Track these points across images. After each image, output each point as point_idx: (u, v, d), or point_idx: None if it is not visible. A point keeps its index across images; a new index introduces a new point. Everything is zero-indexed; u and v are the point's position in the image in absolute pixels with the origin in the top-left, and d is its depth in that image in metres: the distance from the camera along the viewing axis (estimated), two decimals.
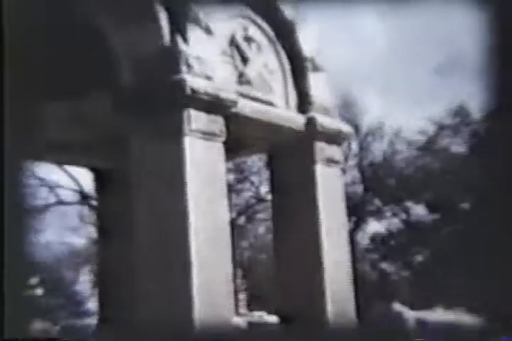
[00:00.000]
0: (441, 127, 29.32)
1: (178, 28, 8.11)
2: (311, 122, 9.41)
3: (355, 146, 29.67)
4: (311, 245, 9.13)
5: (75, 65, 8.58)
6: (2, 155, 6.52)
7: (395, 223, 30.77)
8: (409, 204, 30.14)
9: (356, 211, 28.04)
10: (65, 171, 25.54)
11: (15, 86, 7.94)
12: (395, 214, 30.59)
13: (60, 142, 9.09)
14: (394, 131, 29.64)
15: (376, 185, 29.37)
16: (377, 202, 30.23)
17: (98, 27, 8.29)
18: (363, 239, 30.87)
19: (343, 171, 13.52)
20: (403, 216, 30.48)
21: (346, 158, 26.31)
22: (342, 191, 9.74)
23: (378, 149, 30.06)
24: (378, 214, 30.52)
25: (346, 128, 10.01)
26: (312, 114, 9.48)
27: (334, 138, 9.72)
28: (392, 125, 29.47)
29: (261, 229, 33.45)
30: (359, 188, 29.65)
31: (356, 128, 27.64)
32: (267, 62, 9.20)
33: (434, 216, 29.57)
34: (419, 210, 30.20)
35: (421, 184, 28.78)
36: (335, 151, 9.75)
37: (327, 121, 9.59)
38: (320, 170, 9.42)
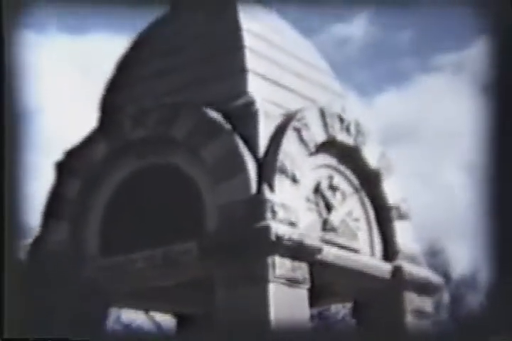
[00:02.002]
0: None
1: (266, 177, 8.39)
2: (398, 270, 9.33)
3: (446, 297, 28.85)
4: None
5: (165, 212, 8.87)
6: None
7: None
8: None
9: None
10: (150, 317, 25.54)
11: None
12: None
13: (145, 288, 9.24)
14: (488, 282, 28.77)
15: None
16: None
17: (190, 177, 8.69)
18: None
19: (435, 324, 13.10)
20: None
21: (438, 310, 25.54)
22: None
23: (473, 300, 29.09)
24: None
25: (436, 277, 9.86)
26: (399, 262, 9.42)
27: (423, 287, 9.56)
28: (483, 277, 28.66)
29: None
30: None
31: (446, 277, 26.99)
32: (351, 210, 9.32)
33: None
34: None
35: None
36: (425, 302, 9.55)
37: (415, 270, 9.50)
38: (410, 322, 9.19)
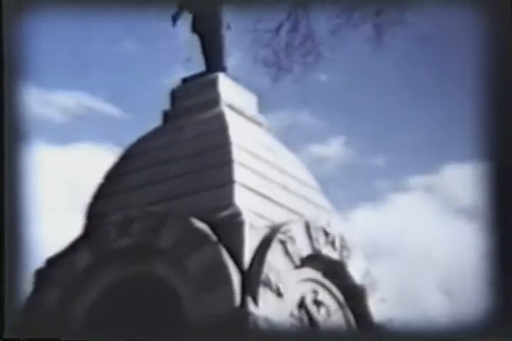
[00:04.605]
0: None
1: (250, 289, 8.29)
2: None
3: None
4: None
5: (145, 324, 8.70)
6: None
7: None
8: None
9: None
10: None
11: None
12: None
13: None
14: None
15: None
16: None
17: (173, 287, 8.58)
18: None
19: None
20: None
21: None
22: None
23: None
24: None
25: None
26: None
27: None
28: None
29: None
30: None
31: None
32: (335, 327, 9.15)
33: None
34: None
35: None
36: None
37: None
38: None
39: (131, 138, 10.92)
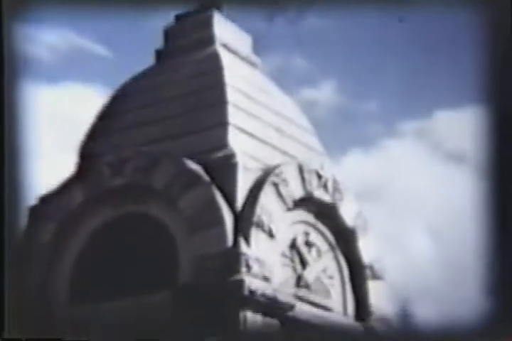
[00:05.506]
0: None
1: (242, 230, 8.34)
2: (370, 332, 9.23)
3: None
4: None
5: (138, 262, 8.77)
6: None
7: None
8: None
9: None
10: None
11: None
12: None
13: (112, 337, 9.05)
14: None
15: None
16: None
17: (166, 227, 8.63)
18: None
19: None
20: None
21: None
22: None
23: None
24: None
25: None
26: (371, 323, 9.34)
27: None
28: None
29: None
30: None
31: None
32: (326, 267, 9.26)
33: None
34: None
35: None
36: None
37: (386, 332, 9.40)
38: None
39: (122, 78, 10.84)
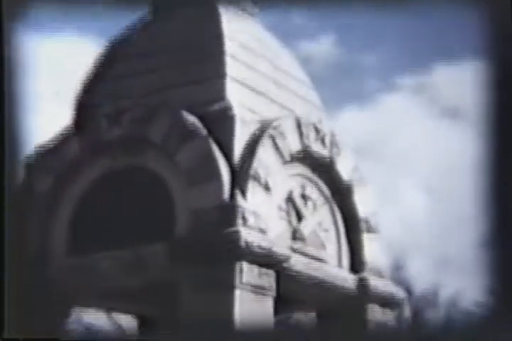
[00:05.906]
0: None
1: (239, 183, 8.39)
2: (363, 283, 9.38)
3: (407, 311, 28.94)
4: None
5: (135, 214, 8.83)
6: None
7: None
8: None
9: None
10: (111, 318, 25.31)
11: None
12: None
13: (109, 289, 9.18)
14: (449, 299, 28.95)
15: None
16: None
17: (163, 179, 8.67)
18: None
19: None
20: None
21: (399, 323, 25.64)
22: None
23: (433, 317, 29.22)
24: None
25: (399, 292, 9.93)
26: (365, 274, 9.47)
27: (387, 301, 9.63)
28: (446, 293, 28.84)
29: None
30: None
31: (409, 292, 27.14)
32: (322, 220, 9.35)
33: None
34: None
35: None
36: (387, 315, 9.62)
37: (380, 284, 9.55)
38: (370, 333, 9.27)
39: (117, 27, 10.71)
